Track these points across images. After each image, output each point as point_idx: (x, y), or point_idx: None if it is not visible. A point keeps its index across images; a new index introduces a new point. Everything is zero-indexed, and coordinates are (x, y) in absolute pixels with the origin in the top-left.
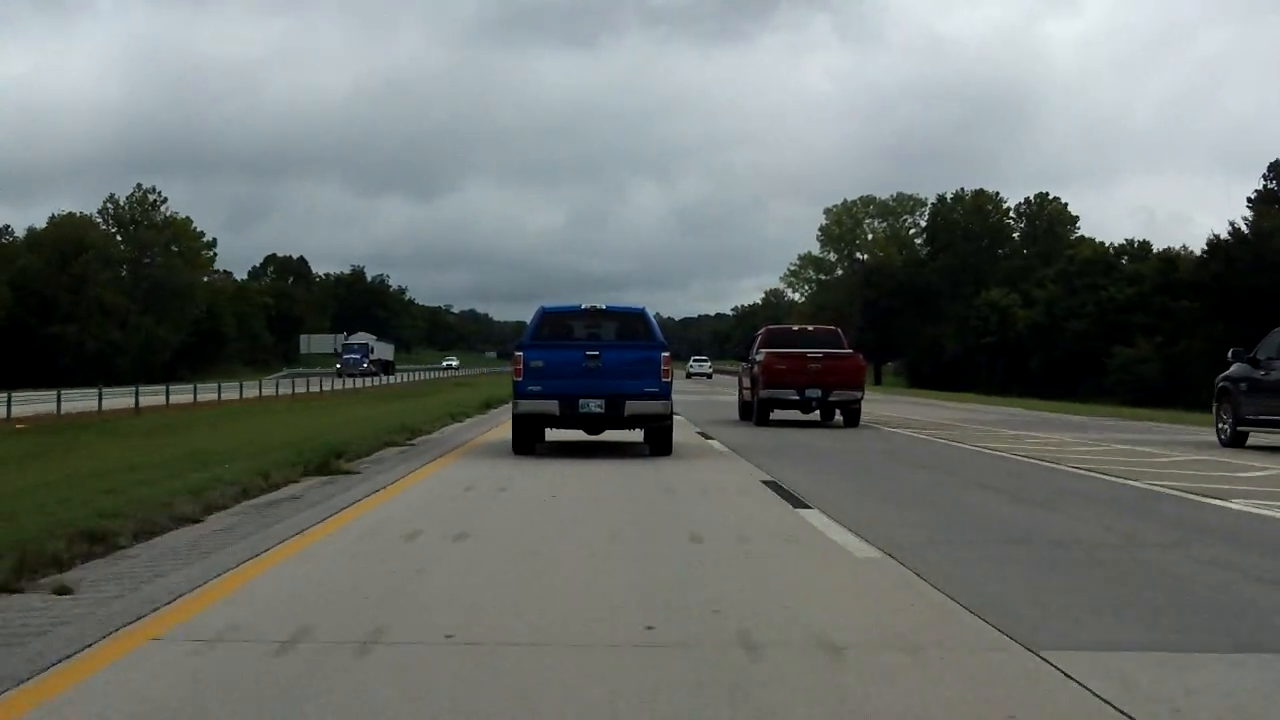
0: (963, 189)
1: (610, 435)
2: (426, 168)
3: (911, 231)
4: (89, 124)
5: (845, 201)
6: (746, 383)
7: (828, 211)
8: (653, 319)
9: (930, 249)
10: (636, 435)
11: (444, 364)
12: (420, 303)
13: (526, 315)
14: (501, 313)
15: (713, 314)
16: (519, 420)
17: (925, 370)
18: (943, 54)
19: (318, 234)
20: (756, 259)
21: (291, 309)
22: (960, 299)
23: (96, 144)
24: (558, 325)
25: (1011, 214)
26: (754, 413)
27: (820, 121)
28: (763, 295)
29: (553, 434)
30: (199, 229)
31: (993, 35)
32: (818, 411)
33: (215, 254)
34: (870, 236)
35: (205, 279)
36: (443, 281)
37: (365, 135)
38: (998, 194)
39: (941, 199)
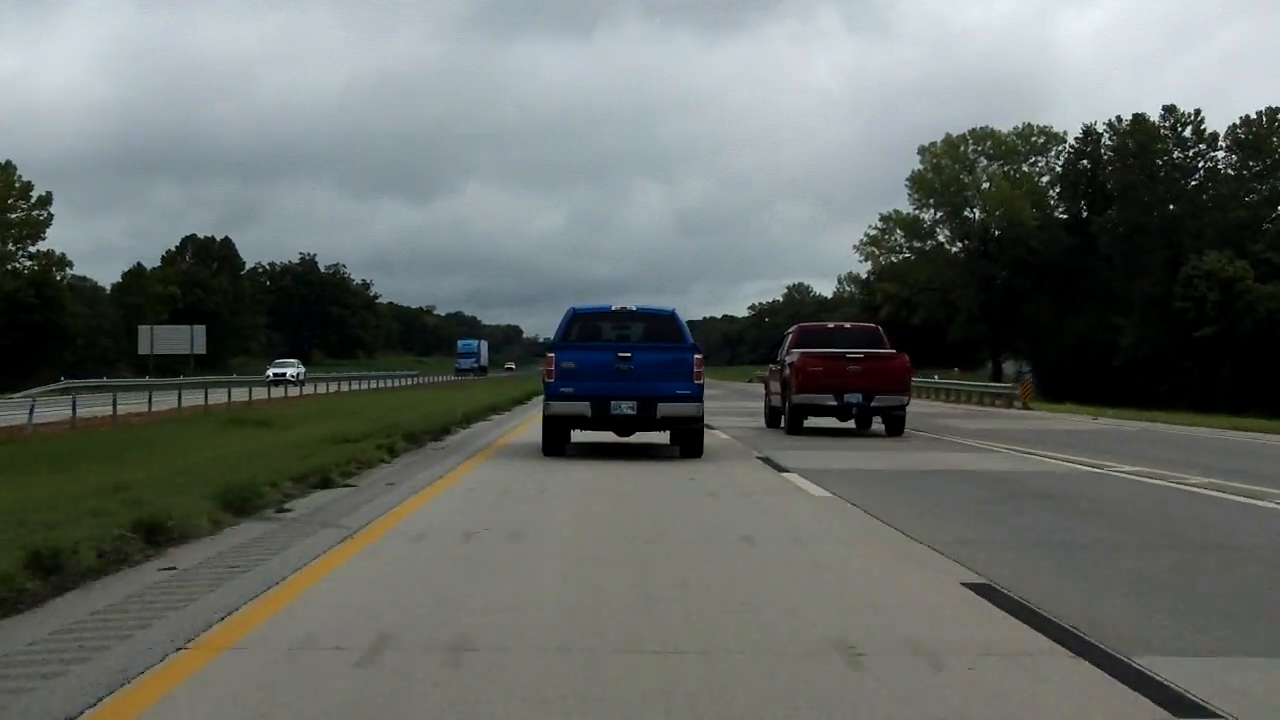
0: (1117, 117)
1: (638, 436)
2: (421, 168)
3: (1045, 180)
4: (77, 123)
5: (948, 137)
6: (775, 387)
7: (923, 152)
8: (683, 320)
9: (1069, 202)
10: (662, 437)
11: (269, 374)
12: (396, 303)
13: (520, 319)
14: (494, 317)
15: (720, 316)
16: (550, 422)
17: (1069, 374)
18: (953, 45)
19: (311, 236)
20: (759, 262)
21: (204, 303)
22: (1143, 273)
23: (86, 144)
24: (587, 326)
25: (1223, 143)
26: (785, 420)
27: (825, 118)
28: (784, 291)
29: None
30: (23, 178)
31: (1005, 27)
32: (853, 420)
33: (50, 215)
34: (986, 185)
35: (33, 253)
36: (440, 285)
37: (358, 135)
38: (1198, 113)
39: (1088, 131)
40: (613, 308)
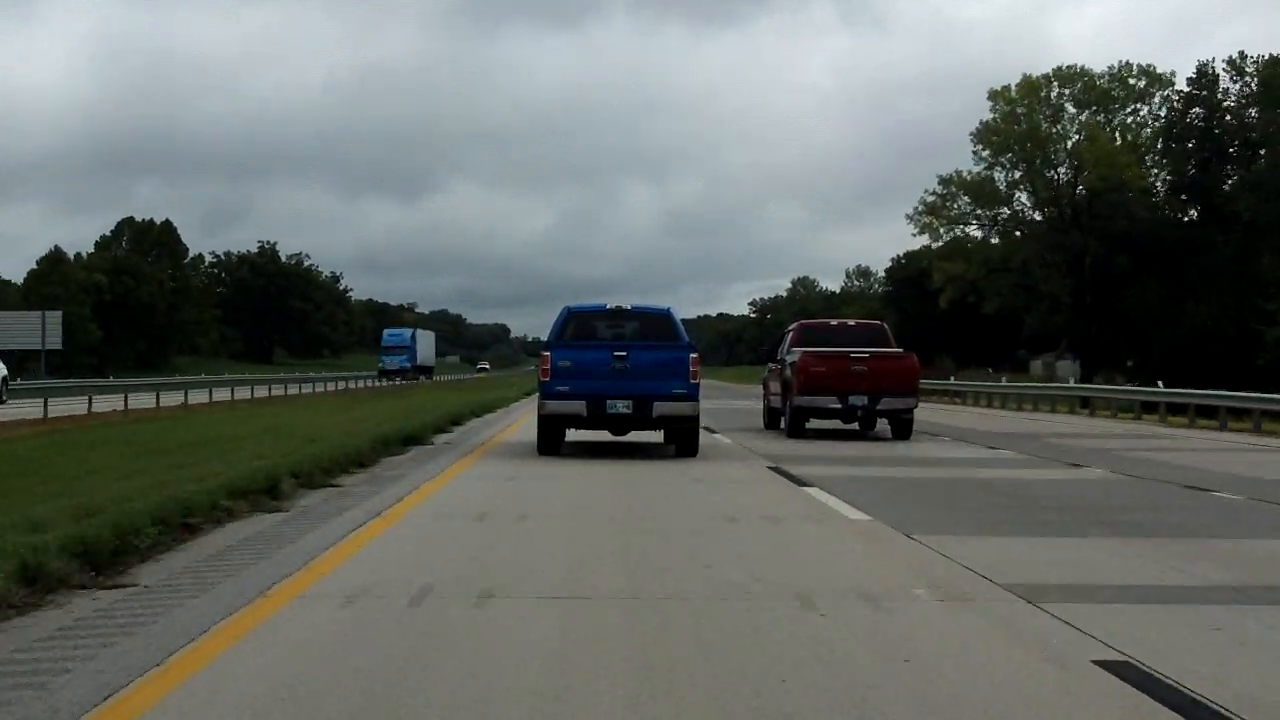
0: (1240, 53)
1: (633, 436)
2: (409, 166)
3: (1146, 132)
4: (57, 120)
5: (1027, 78)
6: (775, 388)
7: (995, 96)
8: (678, 319)
9: (1177, 161)
10: (656, 436)
11: None
12: (376, 300)
13: (510, 319)
14: (485, 317)
15: (715, 314)
16: (545, 421)
17: (1181, 376)
18: (952, 39)
19: (298, 237)
20: (754, 261)
21: (136, 294)
22: None
23: (66, 141)
24: (583, 325)
25: None
26: (786, 423)
27: (820, 114)
28: (788, 286)
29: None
30: None
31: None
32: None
33: None
34: (1078, 138)
35: None
36: (430, 286)
37: (344, 132)
38: None
39: (1202, 71)
40: (608, 306)
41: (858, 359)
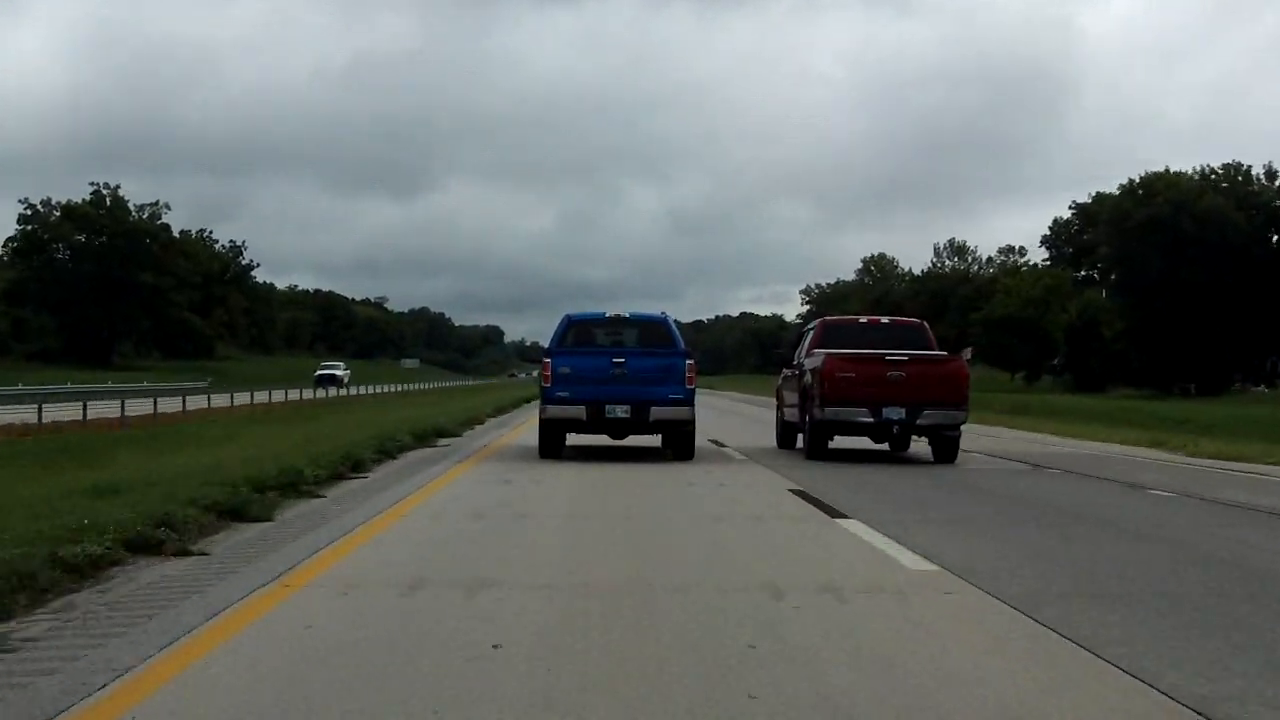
0: None
1: (632, 440)
2: (400, 162)
3: None
4: (38, 113)
5: None
6: (792, 398)
7: None
8: (675, 326)
9: None
10: (655, 440)
11: None
12: (323, 290)
13: (505, 323)
14: (477, 319)
15: (736, 314)
16: (546, 425)
17: None
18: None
19: (290, 237)
20: (757, 264)
21: None
22: None
23: (47, 134)
24: (582, 332)
25: None
26: (806, 440)
27: (836, 106)
28: (859, 266)
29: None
30: None
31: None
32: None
33: None
34: None
35: None
36: (424, 287)
37: (336, 127)
38: None
39: None
40: (607, 314)
41: (895, 363)
